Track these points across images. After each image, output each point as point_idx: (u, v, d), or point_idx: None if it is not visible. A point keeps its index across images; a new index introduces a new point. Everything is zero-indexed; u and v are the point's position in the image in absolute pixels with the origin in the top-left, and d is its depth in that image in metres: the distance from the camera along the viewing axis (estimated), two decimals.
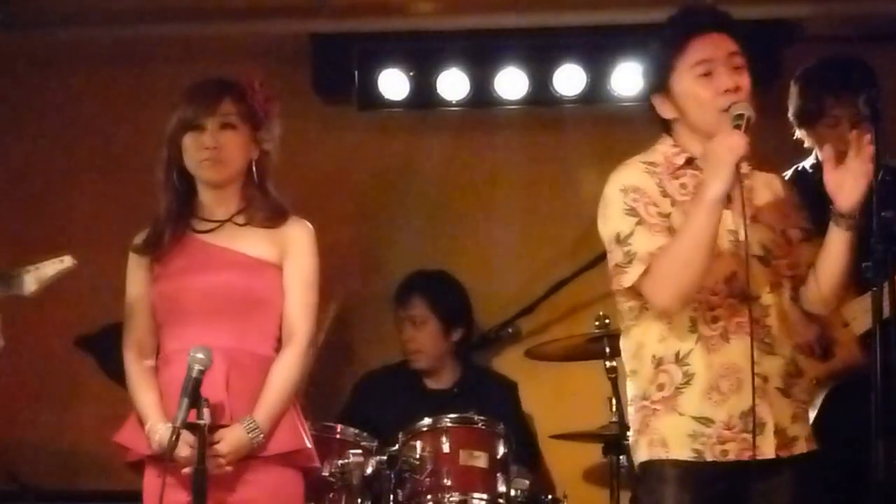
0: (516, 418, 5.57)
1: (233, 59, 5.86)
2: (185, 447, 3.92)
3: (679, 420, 3.82)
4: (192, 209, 4.28)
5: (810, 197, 4.74)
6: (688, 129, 3.93)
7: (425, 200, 6.29)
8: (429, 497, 4.86)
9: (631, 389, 3.98)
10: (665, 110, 3.93)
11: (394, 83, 6.13)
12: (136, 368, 4.22)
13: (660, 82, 3.91)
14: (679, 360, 3.83)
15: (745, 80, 3.84)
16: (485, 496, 4.88)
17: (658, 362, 3.88)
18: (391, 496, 4.91)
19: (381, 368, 5.90)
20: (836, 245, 3.84)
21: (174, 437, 3.83)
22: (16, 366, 5.47)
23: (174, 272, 4.21)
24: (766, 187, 3.99)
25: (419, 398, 5.64)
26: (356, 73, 6.14)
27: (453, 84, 6.12)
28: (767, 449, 3.79)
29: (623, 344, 4.01)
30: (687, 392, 3.82)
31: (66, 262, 4.16)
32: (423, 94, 6.16)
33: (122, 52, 6.16)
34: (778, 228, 3.93)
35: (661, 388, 3.86)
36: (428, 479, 4.88)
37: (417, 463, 4.89)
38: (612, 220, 3.90)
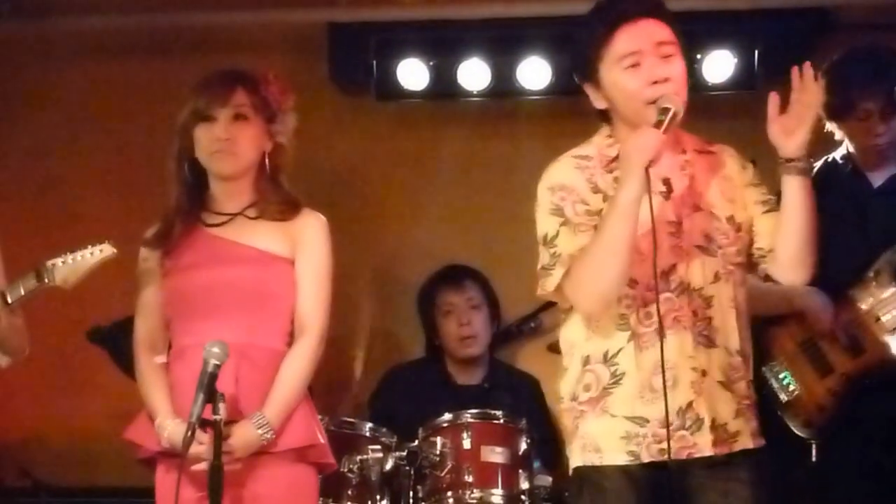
0: (543, 414, 5.57)
1: (249, 49, 5.89)
2: (196, 443, 3.91)
3: (611, 422, 3.76)
4: (203, 202, 4.28)
5: (841, 188, 4.73)
6: (620, 121, 3.86)
7: (445, 192, 6.30)
8: (449, 493, 4.86)
9: (561, 388, 3.92)
10: (596, 100, 3.85)
11: (413, 73, 6.13)
12: (146, 364, 4.22)
13: (588, 72, 3.82)
14: (607, 359, 3.78)
15: (675, 69, 3.75)
16: (506, 493, 4.88)
17: (585, 361, 3.83)
18: (411, 492, 4.93)
19: (407, 363, 5.92)
20: (793, 194, 3.74)
21: (190, 433, 3.83)
22: (28, 361, 5.46)
23: (184, 266, 4.21)
24: (710, 171, 3.89)
25: (449, 393, 5.63)
26: (374, 63, 6.14)
27: (474, 74, 6.11)
28: (705, 445, 3.72)
29: (560, 338, 3.96)
30: (617, 392, 3.76)
31: (106, 251, 4.15)
32: (443, 85, 6.16)
33: (134, 42, 6.19)
34: (723, 215, 3.84)
35: (587, 388, 3.81)
36: (448, 476, 4.88)
37: (437, 459, 4.90)
38: (540, 221, 3.85)
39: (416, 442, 4.95)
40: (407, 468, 4.92)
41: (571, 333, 3.88)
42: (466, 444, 4.90)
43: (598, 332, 3.80)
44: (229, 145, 4.17)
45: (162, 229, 4.25)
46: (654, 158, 3.61)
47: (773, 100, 3.74)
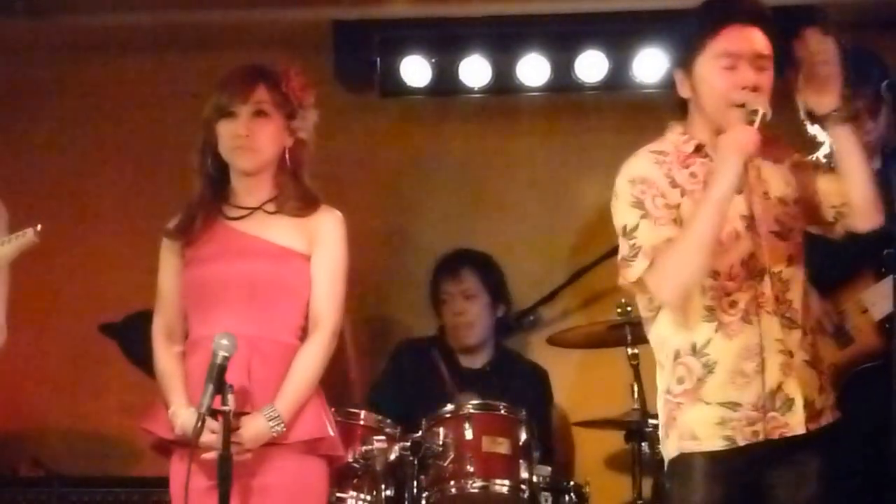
0: (542, 406, 5.57)
1: (254, 46, 5.83)
2: (208, 433, 3.94)
3: (705, 409, 3.84)
4: (224, 195, 4.30)
5: None
6: (699, 114, 3.94)
7: (447, 187, 6.33)
8: (452, 483, 4.88)
9: (659, 383, 4.00)
10: (683, 88, 3.94)
11: (416, 70, 6.16)
12: (164, 353, 4.25)
13: (685, 60, 3.92)
14: (697, 351, 3.86)
15: (765, 81, 3.85)
16: (507, 482, 4.89)
17: (676, 355, 3.90)
18: (414, 482, 4.93)
19: (419, 338, 5.93)
20: (846, 141, 3.87)
21: (199, 423, 3.87)
22: (40, 352, 5.53)
23: (203, 258, 4.23)
24: (772, 161, 3.98)
25: (452, 373, 5.64)
26: (378, 60, 6.17)
27: (475, 71, 6.14)
28: (798, 425, 3.81)
29: (650, 336, 4.03)
30: (710, 381, 3.83)
31: (29, 234, 4.16)
32: (445, 81, 6.18)
33: (142, 39, 6.18)
34: (790, 199, 3.95)
35: (681, 381, 3.89)
36: (451, 466, 4.90)
37: (440, 449, 4.91)
38: (619, 213, 3.92)
39: (420, 432, 4.94)
40: (411, 458, 4.90)
41: (661, 329, 3.96)
42: (468, 434, 4.92)
43: (684, 325, 3.88)
44: (249, 141, 4.19)
45: (183, 220, 4.28)
46: (752, 154, 3.72)
47: (805, 68, 3.86)
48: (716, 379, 3.83)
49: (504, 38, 6.16)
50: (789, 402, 3.81)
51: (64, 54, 6.26)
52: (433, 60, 6.17)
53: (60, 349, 6.04)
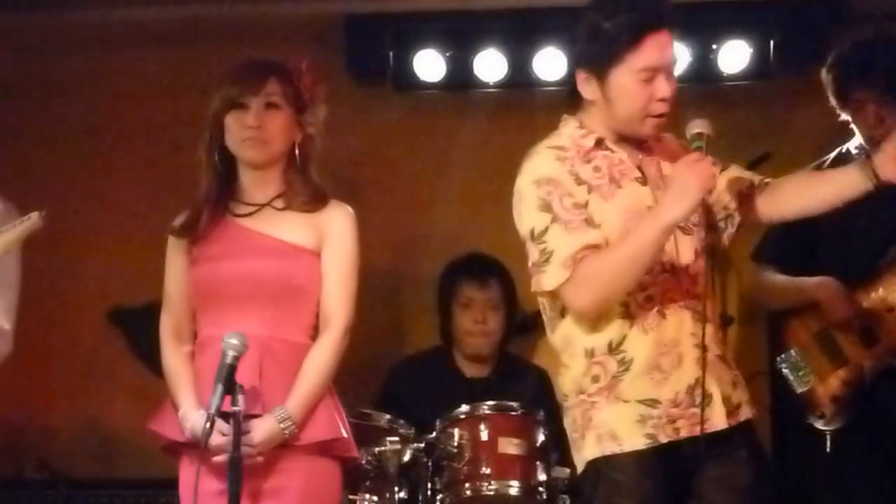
0: (551, 406, 5.53)
1: (266, 40, 5.88)
2: (218, 435, 3.93)
3: (624, 407, 3.80)
4: (232, 192, 4.29)
5: None
6: (601, 114, 3.88)
7: (461, 183, 6.29)
8: (466, 485, 4.87)
9: (564, 385, 3.95)
10: (588, 90, 3.86)
11: (429, 64, 6.16)
12: (172, 354, 4.23)
13: (597, 65, 3.82)
14: (613, 349, 3.81)
15: (674, 86, 3.84)
16: (523, 485, 4.89)
17: (591, 354, 3.85)
18: (428, 484, 4.94)
19: (416, 354, 5.91)
20: (847, 189, 3.84)
21: (209, 425, 3.84)
22: (47, 353, 5.52)
23: (210, 256, 4.22)
24: (669, 155, 3.95)
25: (456, 385, 5.62)
26: (391, 54, 6.18)
27: (490, 64, 6.14)
28: (718, 420, 3.79)
29: (551, 337, 3.98)
30: (626, 377, 3.80)
31: (33, 218, 4.11)
32: (460, 76, 6.18)
33: (159, 34, 6.18)
34: None
35: (596, 379, 3.84)
36: (466, 468, 4.89)
37: (455, 451, 4.90)
38: (526, 216, 3.88)
39: (434, 434, 4.96)
40: (425, 460, 4.93)
41: (568, 329, 3.90)
42: (484, 435, 4.92)
43: (598, 323, 3.83)
44: (260, 133, 4.18)
45: (190, 218, 4.26)
46: (711, 188, 3.72)
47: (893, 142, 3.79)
48: (632, 375, 3.80)
49: (520, 32, 6.15)
50: (708, 398, 3.78)
51: (82, 48, 6.25)
52: (447, 54, 6.16)
53: (68, 350, 6.07)
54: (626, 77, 3.79)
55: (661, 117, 3.82)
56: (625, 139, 3.90)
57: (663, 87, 3.79)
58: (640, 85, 3.78)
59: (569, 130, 3.92)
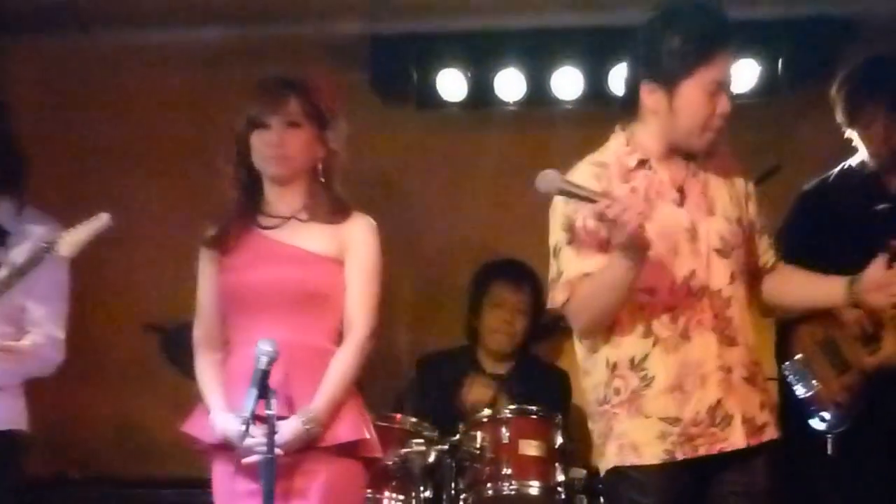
0: (565, 408, 5.53)
1: (294, 59, 5.81)
2: (248, 437, 3.95)
3: (645, 422, 3.81)
4: (259, 205, 4.32)
5: (855, 192, 4.79)
6: (660, 126, 3.88)
7: (481, 196, 6.31)
8: (488, 485, 4.90)
9: (586, 391, 3.99)
10: (652, 101, 3.86)
11: (451, 83, 6.20)
12: (204, 360, 4.28)
13: (667, 77, 3.83)
14: (635, 365, 3.83)
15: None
16: (542, 485, 4.91)
17: (613, 367, 3.87)
18: (452, 484, 4.96)
19: (441, 351, 5.89)
20: (830, 300, 4.03)
21: (244, 428, 3.87)
22: (88, 361, 5.55)
23: (238, 266, 4.25)
24: (720, 176, 3.97)
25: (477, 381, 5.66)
26: (414, 73, 6.21)
27: (510, 83, 6.17)
28: (737, 440, 3.80)
29: (577, 343, 4.00)
30: (648, 394, 3.81)
31: (103, 219, 4.24)
32: (481, 94, 6.21)
33: (188, 54, 6.23)
34: (734, 218, 3.93)
35: (617, 392, 3.86)
36: (487, 468, 4.91)
37: (477, 452, 4.93)
38: (552, 231, 3.92)
39: (458, 436, 4.97)
40: (449, 461, 4.94)
41: (594, 339, 3.92)
42: (504, 438, 4.94)
43: (625, 338, 3.85)
44: (282, 151, 4.21)
45: (220, 230, 4.31)
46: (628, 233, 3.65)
47: (880, 261, 3.92)
48: (654, 393, 3.82)
49: (538, 52, 6.18)
50: (728, 418, 3.80)
51: (115, 67, 6.31)
52: (469, 73, 6.20)
53: (107, 358, 6.08)
54: (695, 90, 3.80)
55: (717, 131, 3.84)
56: (675, 154, 3.90)
57: (725, 103, 3.82)
58: (706, 98, 3.80)
59: (615, 145, 3.93)
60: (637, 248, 3.65)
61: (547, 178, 3.69)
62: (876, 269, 3.87)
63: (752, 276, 4.02)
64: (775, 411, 3.95)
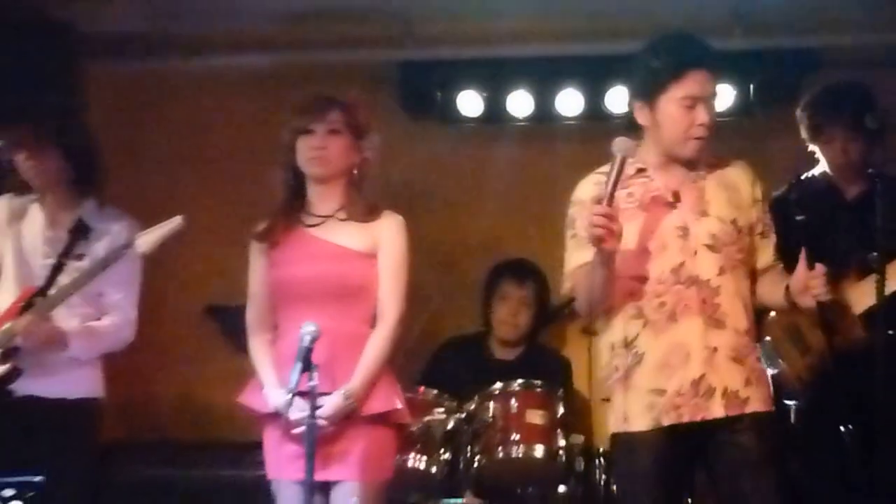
0: (566, 390, 5.54)
1: (335, 82, 5.72)
2: (296, 410, 4.00)
3: (636, 394, 3.86)
4: (303, 205, 4.36)
5: (817, 200, 4.78)
6: (653, 138, 3.94)
7: (495, 200, 6.27)
8: (499, 449, 4.93)
9: (602, 374, 4.04)
10: (642, 117, 3.93)
11: (470, 102, 6.19)
12: (257, 341, 4.33)
13: (648, 95, 3.89)
14: (628, 344, 3.88)
15: (713, 117, 3.89)
16: (545, 448, 4.94)
17: (611, 347, 3.94)
18: (468, 447, 4.99)
19: (458, 337, 5.86)
20: (778, 303, 3.98)
21: (290, 398, 3.90)
22: (155, 339, 5.57)
23: (284, 261, 4.30)
24: (720, 183, 3.98)
25: (486, 365, 5.63)
26: (438, 93, 6.21)
27: (520, 103, 6.15)
28: (717, 410, 3.82)
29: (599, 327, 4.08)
30: (639, 369, 3.86)
31: (177, 221, 4.30)
32: (494, 112, 6.20)
33: (241, 77, 6.19)
34: (728, 219, 3.93)
35: (616, 369, 3.92)
36: (498, 434, 4.95)
37: (490, 420, 4.97)
38: (566, 229, 4.00)
39: (473, 406, 5.01)
40: (466, 427, 4.98)
41: (600, 325, 4.00)
42: (513, 408, 4.98)
43: (619, 320, 3.90)
44: (324, 153, 4.26)
45: (269, 226, 4.35)
46: (599, 235, 3.68)
47: (802, 262, 3.87)
48: (644, 369, 3.86)
49: (545, 76, 6.15)
50: (710, 391, 3.82)
51: (178, 90, 6.28)
52: (484, 94, 6.19)
53: (171, 337, 6.09)
54: (671, 105, 3.86)
55: (700, 140, 3.87)
56: (673, 163, 3.94)
57: (702, 115, 3.85)
58: (682, 111, 3.84)
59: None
60: (602, 250, 3.71)
61: (620, 142, 3.76)
62: (798, 274, 3.87)
63: (753, 272, 4.04)
64: (764, 387, 3.95)
